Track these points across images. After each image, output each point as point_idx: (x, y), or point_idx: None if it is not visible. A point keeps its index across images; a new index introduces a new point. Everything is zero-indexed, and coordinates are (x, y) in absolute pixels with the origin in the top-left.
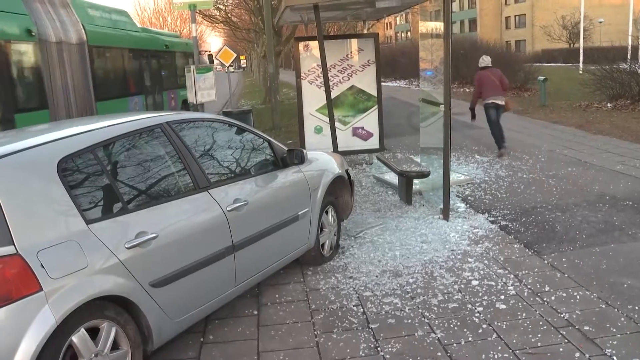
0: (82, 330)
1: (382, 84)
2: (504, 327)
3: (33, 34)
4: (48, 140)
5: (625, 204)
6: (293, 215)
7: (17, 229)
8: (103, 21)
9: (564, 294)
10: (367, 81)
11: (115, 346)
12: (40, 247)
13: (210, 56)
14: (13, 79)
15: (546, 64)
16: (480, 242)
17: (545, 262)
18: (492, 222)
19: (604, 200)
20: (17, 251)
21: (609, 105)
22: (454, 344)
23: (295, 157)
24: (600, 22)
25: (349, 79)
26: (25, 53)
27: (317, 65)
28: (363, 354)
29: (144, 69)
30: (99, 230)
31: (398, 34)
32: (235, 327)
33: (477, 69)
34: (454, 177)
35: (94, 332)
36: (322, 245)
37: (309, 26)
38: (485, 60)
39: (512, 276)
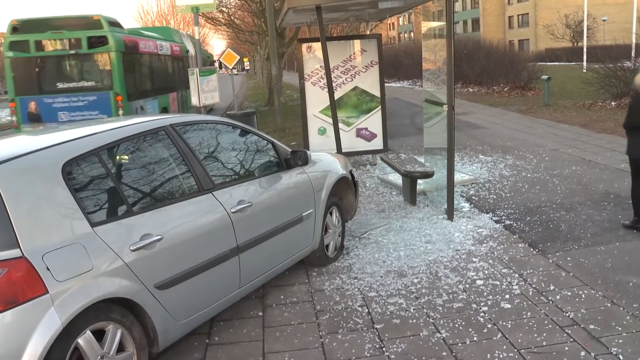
0: (88, 332)
1: (386, 84)
2: (509, 326)
3: (188, 50)
4: (53, 143)
5: (630, 203)
6: (297, 216)
7: (23, 232)
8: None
9: (569, 293)
10: (370, 82)
11: (121, 348)
12: (46, 250)
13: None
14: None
15: (550, 63)
16: (485, 241)
17: (550, 261)
18: (497, 222)
19: (609, 199)
20: (23, 254)
21: (613, 103)
22: (459, 344)
23: (299, 158)
24: (604, 21)
25: (352, 80)
26: (187, 60)
27: (320, 66)
28: (368, 355)
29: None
30: (104, 233)
31: (401, 35)
32: (241, 328)
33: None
34: (458, 177)
35: (99, 334)
36: (327, 246)
37: (312, 28)
38: None
39: (516, 275)
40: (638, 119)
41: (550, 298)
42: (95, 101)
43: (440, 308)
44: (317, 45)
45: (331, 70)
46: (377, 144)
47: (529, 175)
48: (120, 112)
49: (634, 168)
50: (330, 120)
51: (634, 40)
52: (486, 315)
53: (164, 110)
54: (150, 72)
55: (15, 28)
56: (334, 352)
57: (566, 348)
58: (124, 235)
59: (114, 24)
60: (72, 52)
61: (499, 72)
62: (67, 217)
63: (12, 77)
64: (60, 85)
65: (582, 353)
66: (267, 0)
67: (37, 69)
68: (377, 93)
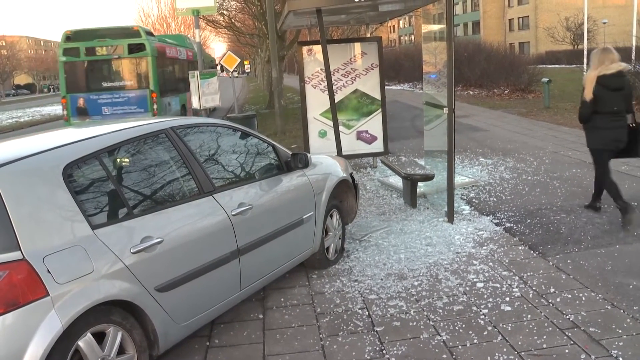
0: (89, 334)
1: (386, 87)
2: (509, 329)
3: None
4: (53, 146)
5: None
6: (298, 219)
7: (24, 235)
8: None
9: (569, 296)
10: (370, 85)
11: (121, 351)
12: (47, 252)
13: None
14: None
15: (550, 66)
16: (485, 244)
17: (550, 263)
18: (497, 224)
19: (609, 201)
20: (23, 256)
21: None
22: (459, 346)
23: (299, 161)
24: (604, 23)
25: (353, 82)
26: (197, 63)
27: (321, 69)
28: (368, 357)
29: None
30: (104, 235)
31: (401, 38)
32: (241, 331)
33: None
34: (458, 179)
35: (100, 337)
36: (327, 248)
37: (312, 30)
38: None
39: (517, 278)
40: (586, 111)
41: (550, 300)
42: (134, 97)
43: (440, 311)
44: (317, 48)
45: (332, 73)
46: (378, 146)
47: (529, 177)
48: (155, 106)
49: (594, 157)
50: (330, 122)
51: (634, 43)
52: (486, 317)
53: (183, 107)
54: (174, 73)
55: (69, 37)
56: (335, 355)
57: (566, 351)
58: (124, 238)
59: (149, 33)
60: (115, 56)
61: (500, 75)
62: (67, 219)
63: (65, 77)
64: (104, 84)
65: (583, 356)
66: (267, 3)
67: (85, 71)
68: (378, 96)
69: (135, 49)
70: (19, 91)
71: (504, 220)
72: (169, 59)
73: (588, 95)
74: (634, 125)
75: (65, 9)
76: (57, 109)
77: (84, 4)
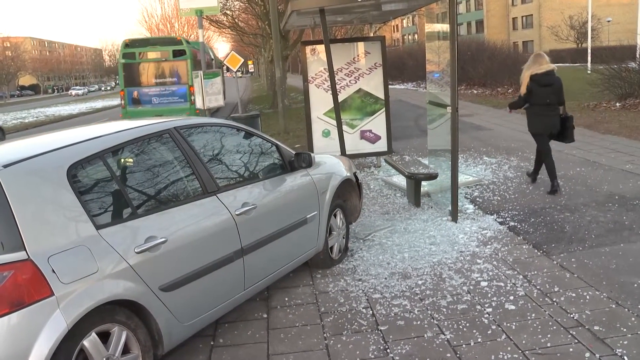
0: (93, 334)
1: (390, 86)
2: (514, 327)
3: (213, 58)
4: (58, 146)
5: (634, 204)
6: (301, 218)
7: (29, 235)
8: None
9: (574, 294)
10: (374, 84)
11: (126, 350)
12: (51, 252)
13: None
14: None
15: (554, 65)
16: (489, 243)
17: (555, 262)
18: (501, 223)
19: (613, 200)
20: (28, 257)
21: (617, 104)
22: (464, 345)
23: (303, 160)
24: (609, 22)
25: (356, 82)
26: (212, 64)
27: (324, 69)
28: (372, 356)
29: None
30: (108, 235)
31: (405, 37)
32: (245, 330)
33: None
34: (462, 178)
35: (104, 337)
36: (331, 248)
37: (315, 30)
38: None
39: (521, 277)
40: (518, 102)
41: (554, 299)
42: (177, 91)
43: (444, 309)
44: (321, 48)
45: (335, 72)
46: (381, 146)
47: None
48: (192, 97)
49: (536, 139)
50: (334, 122)
51: (639, 41)
52: (490, 316)
53: None
54: None
55: (127, 44)
56: (339, 354)
57: (571, 349)
58: (128, 238)
59: (188, 42)
60: (163, 59)
61: (503, 74)
62: (72, 219)
63: (123, 75)
64: (154, 81)
65: (587, 354)
66: (271, 2)
67: (139, 70)
68: (381, 95)
69: (178, 54)
70: (24, 92)
71: (508, 219)
72: (198, 61)
73: (522, 91)
74: (565, 115)
75: (69, 10)
76: (61, 110)
77: (88, 4)
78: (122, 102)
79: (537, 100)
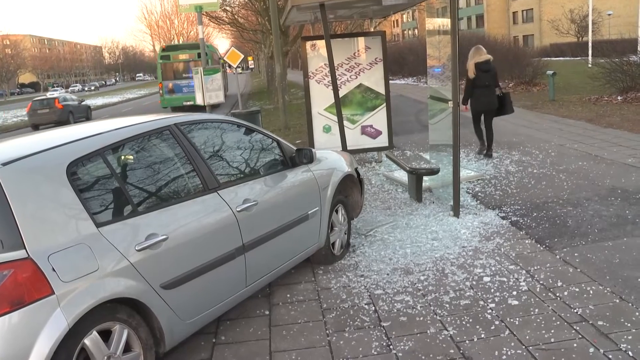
0: (94, 332)
1: (390, 81)
2: (517, 323)
3: (220, 57)
4: (57, 144)
5: (637, 197)
6: (303, 214)
7: (28, 233)
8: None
9: (577, 289)
10: (375, 79)
11: (127, 348)
12: (51, 250)
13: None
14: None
15: (554, 58)
16: (492, 238)
17: (557, 257)
18: (503, 218)
19: (616, 194)
20: (28, 255)
21: (619, 98)
22: (467, 341)
23: (304, 156)
24: (609, 15)
25: (357, 77)
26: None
27: (325, 64)
28: (375, 353)
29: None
30: (109, 233)
31: (405, 32)
32: (247, 327)
33: None
34: (463, 173)
35: (106, 335)
36: (333, 244)
37: (315, 26)
38: None
39: (524, 272)
40: (469, 86)
41: (558, 294)
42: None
43: (447, 305)
44: (321, 43)
45: (335, 67)
46: (382, 141)
47: (535, 171)
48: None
49: (473, 116)
50: (335, 117)
51: (639, 34)
52: (494, 312)
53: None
54: None
55: (164, 49)
56: (341, 351)
57: (575, 345)
58: (129, 235)
59: (209, 46)
60: (190, 60)
61: (504, 68)
62: (72, 217)
63: (161, 71)
64: (183, 75)
65: (591, 349)
66: None
67: (172, 68)
68: (382, 90)
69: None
70: (24, 90)
71: (510, 213)
72: (215, 60)
73: (471, 75)
74: (501, 94)
75: (69, 7)
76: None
77: (87, 2)
78: (160, 91)
79: (479, 83)
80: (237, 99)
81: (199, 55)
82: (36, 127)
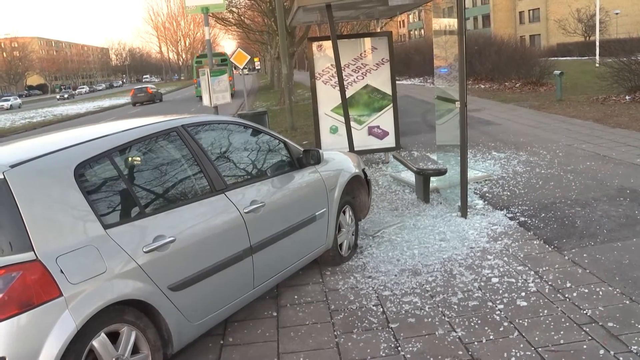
0: (103, 334)
1: (397, 82)
2: (526, 324)
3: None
4: (65, 146)
5: None
6: (310, 215)
7: (37, 235)
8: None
9: (586, 290)
10: (381, 80)
11: (135, 350)
12: (60, 252)
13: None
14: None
15: (562, 58)
16: (500, 238)
17: (566, 257)
18: (511, 219)
19: (625, 194)
20: (37, 257)
21: (627, 97)
22: (475, 343)
23: (311, 157)
24: (617, 14)
25: (364, 78)
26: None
27: (331, 65)
28: (383, 354)
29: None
30: (117, 235)
31: (411, 32)
32: (255, 329)
33: None
34: (471, 174)
35: (114, 337)
36: (340, 245)
37: (322, 26)
38: None
39: (532, 273)
40: None
41: (567, 295)
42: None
43: (455, 306)
44: (327, 44)
45: (342, 68)
46: (389, 141)
47: (542, 171)
48: (231, 83)
49: None
50: (342, 118)
51: None
52: (502, 313)
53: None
54: (232, 70)
55: (197, 57)
56: (349, 352)
57: (584, 346)
58: (137, 237)
59: (227, 54)
60: (216, 64)
61: (511, 68)
62: (80, 219)
63: (196, 71)
64: (211, 75)
65: (601, 351)
66: None
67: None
68: (389, 91)
69: (223, 62)
70: (32, 92)
71: (518, 214)
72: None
73: None
74: None
75: (76, 10)
76: (68, 109)
77: (94, 4)
78: (196, 85)
79: None
80: (240, 103)
81: (222, 60)
82: (135, 105)
